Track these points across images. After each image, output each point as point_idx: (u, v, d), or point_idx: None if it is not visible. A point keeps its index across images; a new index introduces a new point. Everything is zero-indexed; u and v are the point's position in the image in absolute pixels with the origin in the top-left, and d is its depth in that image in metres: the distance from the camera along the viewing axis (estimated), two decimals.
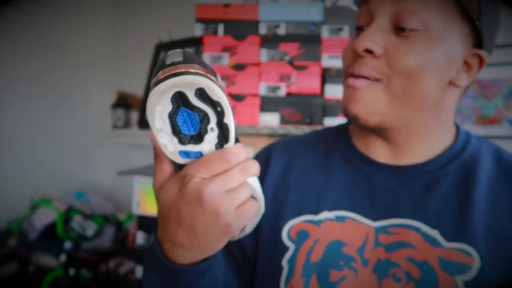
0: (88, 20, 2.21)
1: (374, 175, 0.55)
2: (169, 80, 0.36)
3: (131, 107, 2.03)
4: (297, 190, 0.58)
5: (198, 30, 1.21)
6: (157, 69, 0.38)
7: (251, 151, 1.15)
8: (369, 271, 0.51)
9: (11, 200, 1.83)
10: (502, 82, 1.43)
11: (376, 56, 0.49)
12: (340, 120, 1.13)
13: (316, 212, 0.55)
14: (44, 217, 1.66)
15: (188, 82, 0.36)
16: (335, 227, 0.53)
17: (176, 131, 0.38)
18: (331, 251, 0.52)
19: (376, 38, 0.49)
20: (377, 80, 0.50)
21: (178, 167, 0.41)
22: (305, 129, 1.17)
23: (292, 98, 1.18)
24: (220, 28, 1.20)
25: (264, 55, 1.19)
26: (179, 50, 0.39)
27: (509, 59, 1.38)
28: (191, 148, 0.39)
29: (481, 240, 0.48)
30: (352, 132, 0.60)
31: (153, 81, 0.37)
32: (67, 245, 1.66)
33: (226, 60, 1.20)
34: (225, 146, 0.39)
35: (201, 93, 0.37)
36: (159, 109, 0.37)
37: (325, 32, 1.17)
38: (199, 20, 1.21)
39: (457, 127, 0.58)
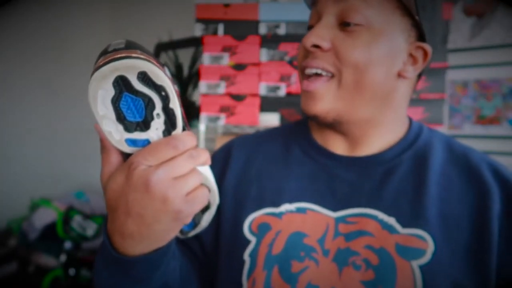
0: (88, 20, 2.21)
1: (332, 166, 0.57)
2: (110, 64, 0.35)
3: None
4: (258, 184, 0.59)
5: (198, 30, 1.21)
6: (99, 56, 0.37)
7: None
8: (330, 260, 0.51)
9: (11, 200, 1.83)
10: (502, 82, 1.43)
11: (325, 50, 0.52)
12: None
13: (277, 204, 0.56)
14: (44, 217, 1.66)
15: (129, 66, 0.35)
16: (296, 219, 0.54)
17: (120, 118, 0.37)
18: (292, 242, 0.53)
19: (323, 34, 0.52)
20: (329, 74, 0.53)
21: (126, 157, 0.40)
22: None
23: (292, 98, 1.18)
24: (220, 28, 1.20)
25: (264, 55, 1.19)
26: (122, 40, 0.38)
27: (509, 59, 1.37)
28: (138, 135, 0.38)
29: (435, 225, 0.50)
30: (311, 126, 0.63)
31: (95, 67, 0.36)
32: (67, 245, 1.66)
33: (226, 60, 1.20)
34: (173, 133, 0.38)
35: (144, 77, 0.36)
36: (101, 94, 0.36)
37: None
38: (199, 20, 1.21)
39: (410, 120, 0.60)
